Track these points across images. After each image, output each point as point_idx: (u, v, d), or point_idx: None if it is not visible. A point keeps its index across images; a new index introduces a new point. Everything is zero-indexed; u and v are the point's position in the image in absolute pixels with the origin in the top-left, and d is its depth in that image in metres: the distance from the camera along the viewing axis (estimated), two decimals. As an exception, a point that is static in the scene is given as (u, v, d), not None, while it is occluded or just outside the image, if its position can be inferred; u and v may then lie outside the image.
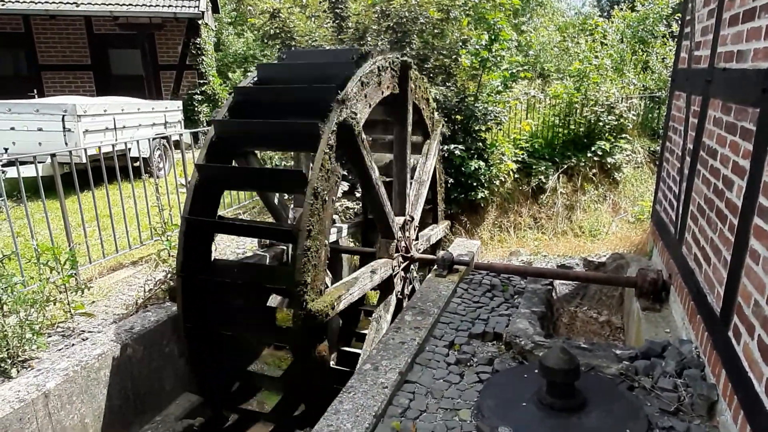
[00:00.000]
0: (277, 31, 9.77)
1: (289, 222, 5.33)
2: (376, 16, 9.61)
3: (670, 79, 12.86)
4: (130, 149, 6.41)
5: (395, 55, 4.73)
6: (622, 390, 3.02)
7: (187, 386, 4.22)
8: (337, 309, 3.69)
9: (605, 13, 21.18)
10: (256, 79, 4.51)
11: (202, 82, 14.93)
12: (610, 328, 4.88)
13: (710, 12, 4.04)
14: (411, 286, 5.24)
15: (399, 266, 4.86)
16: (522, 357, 3.57)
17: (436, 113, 6.14)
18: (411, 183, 5.19)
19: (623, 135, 11.45)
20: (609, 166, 11.26)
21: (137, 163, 6.76)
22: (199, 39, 14.67)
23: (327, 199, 3.59)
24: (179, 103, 11.94)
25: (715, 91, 3.67)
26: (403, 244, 4.92)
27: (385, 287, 4.77)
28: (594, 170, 11.20)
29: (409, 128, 4.98)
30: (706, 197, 3.53)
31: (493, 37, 9.97)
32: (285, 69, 4.66)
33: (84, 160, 6.43)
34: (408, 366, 3.37)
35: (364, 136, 4.00)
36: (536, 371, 3.12)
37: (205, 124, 14.29)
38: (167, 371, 4.07)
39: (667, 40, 14.39)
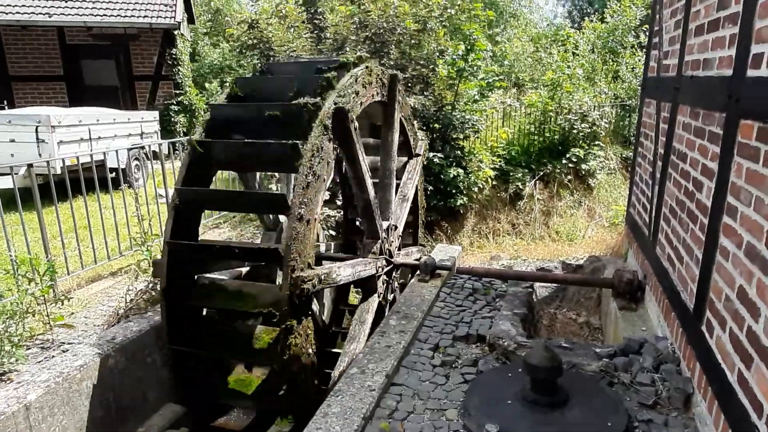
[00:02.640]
0: (255, 42, 9.79)
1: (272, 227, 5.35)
2: (355, 26, 9.71)
3: (640, 87, 13.30)
4: (106, 160, 6.32)
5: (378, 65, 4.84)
6: (603, 386, 3.11)
7: (170, 396, 4.16)
8: (324, 282, 3.74)
9: (576, 24, 21.76)
10: (232, 93, 4.49)
11: (178, 92, 14.81)
12: (589, 329, 4.99)
13: (677, 23, 4.23)
14: (393, 295, 5.27)
15: (383, 269, 4.90)
16: (505, 357, 3.64)
17: (419, 133, 6.29)
18: (395, 194, 5.27)
19: (596, 142, 11.76)
20: (583, 173, 11.53)
21: (113, 174, 6.69)
22: (175, 49, 14.58)
23: (320, 176, 3.67)
24: (155, 114, 11.82)
25: (683, 98, 3.84)
26: (387, 246, 4.97)
27: (367, 288, 4.79)
28: (569, 176, 11.45)
29: (396, 135, 5.05)
30: (678, 199, 3.68)
31: (469, 48, 10.19)
32: (264, 81, 4.67)
33: (58, 171, 6.33)
34: (394, 369, 3.41)
35: (356, 123, 4.06)
36: (520, 370, 3.19)
37: (181, 135, 14.18)
38: (150, 381, 4.02)
39: (636, 50, 14.86)
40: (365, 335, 4.37)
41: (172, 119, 14.33)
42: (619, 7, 15.74)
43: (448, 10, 10.88)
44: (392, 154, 5.08)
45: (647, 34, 14.74)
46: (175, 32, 14.35)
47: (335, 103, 3.89)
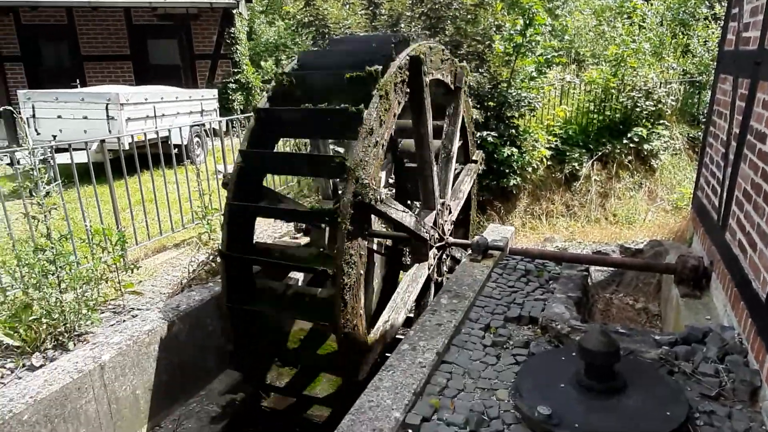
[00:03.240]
0: (311, 19, 9.83)
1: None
2: (410, 2, 9.56)
3: (715, 62, 12.44)
4: (170, 136, 6.61)
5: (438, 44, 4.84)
6: (662, 374, 3.01)
7: (229, 363, 4.38)
8: (385, 203, 3.90)
9: (644, -5, 20.45)
10: (296, 65, 4.60)
11: (236, 71, 15.17)
12: (647, 315, 4.82)
13: (760, -9, 3.90)
14: (441, 278, 5.28)
15: (435, 240, 4.89)
16: (558, 341, 3.59)
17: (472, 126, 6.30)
18: (450, 181, 5.27)
19: (661, 121, 11.15)
20: (645, 153, 10.99)
21: (176, 150, 6.97)
22: (233, 28, 14.89)
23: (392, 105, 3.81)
24: (215, 92, 12.19)
25: (766, 74, 3.56)
26: (441, 221, 4.97)
27: (417, 255, 4.84)
28: (630, 157, 10.94)
29: (458, 126, 5.07)
30: (753, 182, 3.45)
31: (527, 22, 9.82)
32: (325, 55, 4.72)
33: (126, 147, 6.67)
34: (445, 347, 3.43)
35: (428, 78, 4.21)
36: (573, 354, 3.14)
37: (239, 112, 14.56)
38: (210, 348, 4.24)
39: (710, 22, 13.85)
40: (410, 307, 4.44)
41: (230, 97, 14.72)
42: (693, -25, 14.66)
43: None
44: (454, 141, 5.07)
45: (724, 4, 13.71)
46: (234, 11, 14.61)
47: (413, 54, 4.04)
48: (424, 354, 3.28)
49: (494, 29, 9.86)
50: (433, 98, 4.86)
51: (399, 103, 4.02)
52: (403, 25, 9.69)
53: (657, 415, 2.58)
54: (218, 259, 4.67)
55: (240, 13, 15.29)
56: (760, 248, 3.12)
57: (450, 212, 5.26)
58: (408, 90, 4.12)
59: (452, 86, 5.19)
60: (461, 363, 3.30)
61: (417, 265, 4.73)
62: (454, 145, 5.23)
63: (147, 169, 5.40)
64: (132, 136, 6.15)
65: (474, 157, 6.16)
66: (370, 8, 10.75)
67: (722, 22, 13.51)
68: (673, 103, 11.67)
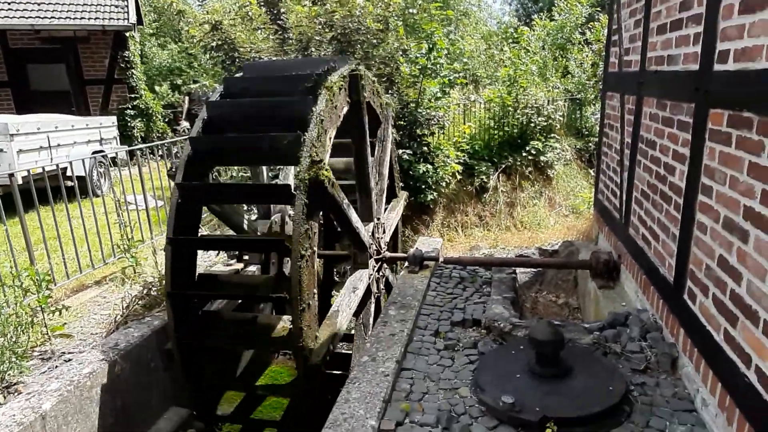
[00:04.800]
0: (219, 43, 9.68)
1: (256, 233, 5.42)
2: (320, 27, 9.78)
3: (590, 81, 13.92)
4: (69, 168, 6.06)
5: (357, 66, 5.01)
6: (598, 356, 3.39)
7: (174, 400, 4.17)
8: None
9: (522, 22, 22.54)
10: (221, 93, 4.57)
11: (133, 96, 14.38)
12: (569, 309, 5.33)
13: (636, 22, 4.59)
14: (385, 280, 5.48)
15: (374, 270, 5.07)
16: (502, 338, 3.88)
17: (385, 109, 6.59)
18: (383, 203, 5.47)
19: (552, 135, 12.31)
20: (542, 164, 12.04)
21: (74, 183, 6.46)
22: (127, 52, 14.15)
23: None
24: (113, 119, 11.48)
25: (648, 91, 4.18)
26: (374, 248, 5.14)
27: (358, 264, 4.96)
28: (529, 168, 11.93)
29: (389, 152, 5.30)
30: (649, 183, 4.02)
31: (431, 47, 10.48)
32: (254, 82, 4.73)
33: (20, 182, 6.11)
34: (402, 355, 3.57)
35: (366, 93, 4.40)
36: (521, 347, 3.45)
37: (139, 140, 13.78)
38: (154, 386, 4.02)
39: (583, 46, 15.58)
40: (358, 298, 4.55)
41: (129, 124, 13.92)
42: (566, 5, 16.47)
43: (409, 10, 11.13)
44: (384, 166, 5.28)
45: (593, 32, 15.44)
46: (127, 34, 13.92)
47: (351, 71, 4.23)
48: (385, 363, 3.40)
49: (400, 53, 10.39)
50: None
51: (342, 107, 4.19)
52: (313, 49, 9.88)
53: (602, 391, 2.91)
54: (152, 292, 4.48)
55: (133, 36, 14.59)
56: (662, 239, 3.65)
57: (384, 231, 5.45)
58: (349, 100, 4.29)
59: (380, 117, 5.43)
60: (420, 368, 3.46)
61: (358, 271, 4.85)
62: (385, 168, 5.44)
63: (48, 204, 4.96)
64: (29, 171, 5.62)
65: (399, 195, 6.48)
66: (279, 33, 10.82)
67: (594, 47, 15.18)
68: (561, 119, 12.97)
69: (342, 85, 4.21)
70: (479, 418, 2.88)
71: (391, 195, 6.33)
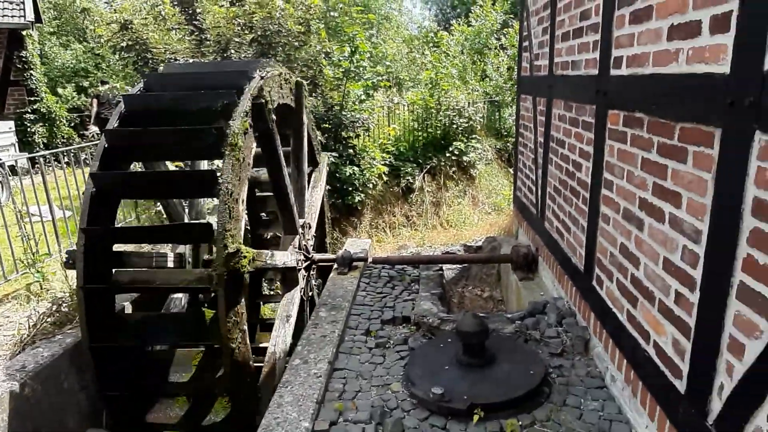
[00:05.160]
0: (131, 44, 9.18)
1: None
2: (239, 28, 9.55)
3: (506, 84, 14.60)
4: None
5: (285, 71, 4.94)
6: (520, 343, 3.59)
7: (90, 421, 3.92)
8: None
9: (442, 27, 23.27)
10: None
11: (33, 99, 13.27)
12: (493, 302, 5.58)
13: (544, 29, 4.90)
14: (311, 293, 5.43)
15: (302, 263, 5.02)
16: (431, 333, 4.00)
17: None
18: (306, 198, 5.42)
19: (474, 135, 12.82)
20: (465, 164, 12.50)
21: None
22: (24, 51, 13.04)
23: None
24: (11, 124, 10.58)
25: (557, 94, 4.49)
26: (304, 243, 5.10)
27: (288, 283, 4.89)
28: (453, 168, 12.34)
29: (305, 137, 5.19)
30: (560, 179, 4.31)
31: (353, 50, 10.57)
32: (177, 80, 4.55)
33: None
34: (334, 355, 3.59)
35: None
36: (449, 341, 3.58)
37: (42, 146, 12.73)
38: (69, 407, 3.74)
39: (499, 51, 16.35)
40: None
41: (29, 129, 12.83)
42: (482, 11, 17.21)
43: (330, 13, 11.15)
44: (303, 157, 5.21)
45: (507, 37, 16.22)
46: (24, 32, 12.83)
47: (254, 97, 3.99)
48: (317, 365, 3.40)
49: (323, 55, 10.39)
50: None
51: (250, 149, 4.02)
52: (233, 51, 9.63)
53: (524, 375, 3.09)
54: (63, 308, 4.18)
55: (31, 35, 13.47)
56: (573, 231, 3.93)
57: (310, 227, 5.43)
58: (257, 134, 4.17)
59: (293, 104, 5.32)
60: (352, 367, 3.49)
61: (288, 294, 4.80)
62: (303, 163, 5.37)
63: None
64: None
65: (320, 160, 6.32)
66: (195, 34, 10.44)
67: (509, 51, 15.95)
68: (481, 120, 13.54)
69: (246, 127, 3.90)
70: (411, 411, 2.96)
71: (312, 164, 6.23)
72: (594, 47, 3.46)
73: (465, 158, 12.36)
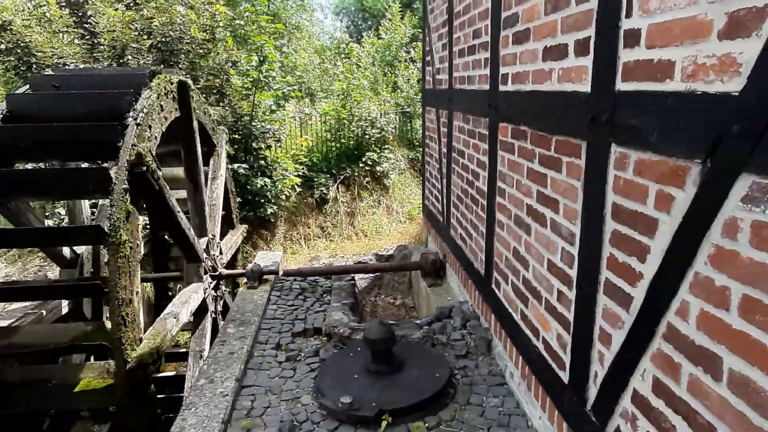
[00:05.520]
0: (11, 46, 8.40)
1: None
2: (136, 33, 9.07)
3: (416, 96, 15.04)
4: None
5: (174, 74, 4.73)
6: (427, 348, 3.71)
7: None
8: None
9: (354, 39, 23.58)
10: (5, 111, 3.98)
11: None
12: (405, 309, 5.71)
13: (443, 45, 5.15)
14: (222, 301, 5.27)
15: (209, 287, 4.86)
16: (342, 343, 4.02)
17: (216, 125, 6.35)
18: (207, 200, 5.24)
19: (386, 146, 13.08)
20: (379, 174, 12.70)
21: None
22: None
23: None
24: None
25: (456, 107, 4.72)
26: (210, 263, 4.94)
27: (198, 311, 4.71)
28: (367, 179, 12.50)
29: (198, 148, 5.02)
30: (462, 188, 4.53)
31: (262, 59, 10.42)
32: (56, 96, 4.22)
33: None
34: (242, 372, 3.50)
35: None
36: (359, 349, 3.62)
37: None
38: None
39: (409, 64, 16.85)
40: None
41: None
42: (391, 25, 17.67)
43: (237, 21, 10.92)
44: (198, 166, 5.03)
45: (416, 50, 16.76)
46: None
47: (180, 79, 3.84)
48: (224, 383, 3.29)
49: (230, 64, 10.14)
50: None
51: (170, 111, 3.91)
52: (130, 58, 9.13)
53: (431, 378, 3.20)
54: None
55: None
56: (474, 237, 4.14)
57: (214, 237, 5.25)
58: (177, 107, 4.04)
59: (213, 139, 5.24)
60: (261, 383, 3.42)
61: (192, 285, 4.61)
62: (199, 175, 5.15)
63: None
64: None
65: (217, 140, 6.01)
66: (87, 37, 9.77)
67: (418, 64, 16.49)
68: (393, 131, 13.85)
69: (169, 89, 3.94)
70: (320, 423, 2.96)
71: (229, 227, 6.14)
72: (485, 64, 3.69)
73: (378, 168, 12.56)
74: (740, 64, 1.32)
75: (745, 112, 1.30)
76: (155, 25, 9.07)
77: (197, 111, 5.11)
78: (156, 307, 5.63)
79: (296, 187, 10.69)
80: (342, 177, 12.11)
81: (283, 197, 10.41)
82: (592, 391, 2.16)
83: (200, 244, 4.75)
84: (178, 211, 4.19)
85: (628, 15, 1.83)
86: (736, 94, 1.33)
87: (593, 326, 2.13)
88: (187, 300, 4.37)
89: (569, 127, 2.32)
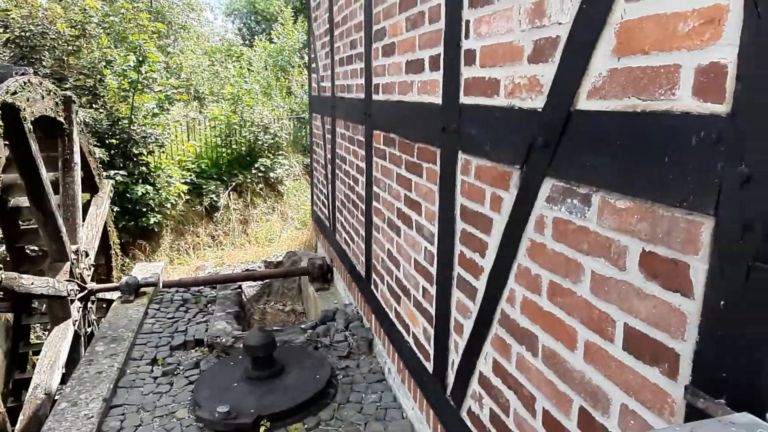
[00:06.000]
0: None
1: None
2: (-11, 25, 8.13)
3: (308, 103, 15.08)
4: None
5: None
6: (310, 351, 3.76)
7: None
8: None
9: (247, 42, 23.00)
10: None
11: None
12: (295, 314, 5.71)
13: (326, 53, 5.26)
14: (91, 328, 4.88)
15: (75, 293, 4.50)
16: (225, 353, 3.94)
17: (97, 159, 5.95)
18: (80, 222, 4.86)
19: (280, 152, 12.93)
20: (273, 181, 12.51)
21: None
22: None
23: None
24: None
25: (339, 114, 4.84)
26: (78, 271, 4.58)
27: (58, 315, 4.32)
28: (260, 185, 12.26)
29: (78, 156, 4.66)
30: (345, 193, 4.65)
31: (141, 59, 9.82)
32: None
33: None
34: (111, 392, 3.30)
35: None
36: (240, 357, 3.58)
37: None
38: None
39: (303, 69, 16.81)
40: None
41: None
42: (283, 30, 17.52)
43: (111, 18, 10.21)
44: (76, 176, 4.68)
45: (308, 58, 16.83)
46: None
47: (4, 101, 3.45)
48: (89, 405, 3.09)
49: (104, 63, 9.45)
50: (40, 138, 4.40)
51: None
52: (-18, 52, 8.15)
53: (311, 380, 3.26)
54: None
55: None
56: (356, 241, 4.27)
57: (87, 256, 4.90)
58: (7, 142, 3.63)
59: (61, 118, 4.79)
60: (133, 401, 3.26)
61: (57, 327, 4.25)
62: (77, 183, 4.86)
63: None
64: None
65: (101, 186, 5.81)
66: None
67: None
68: (287, 136, 13.71)
69: None
70: (196, 436, 2.89)
71: (92, 190, 5.65)
72: (361, 74, 3.84)
73: (272, 175, 12.37)
74: (542, 84, 1.55)
75: (546, 126, 1.52)
76: (13, 18, 8.19)
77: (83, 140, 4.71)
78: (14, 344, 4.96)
79: (183, 194, 10.20)
80: (234, 184, 11.75)
81: (169, 206, 9.87)
82: (451, 378, 2.36)
83: (64, 272, 4.36)
84: (46, 176, 3.83)
85: (467, 36, 2.04)
86: (540, 110, 1.56)
87: (450, 318, 2.33)
88: (55, 358, 3.99)
89: (427, 135, 2.52)
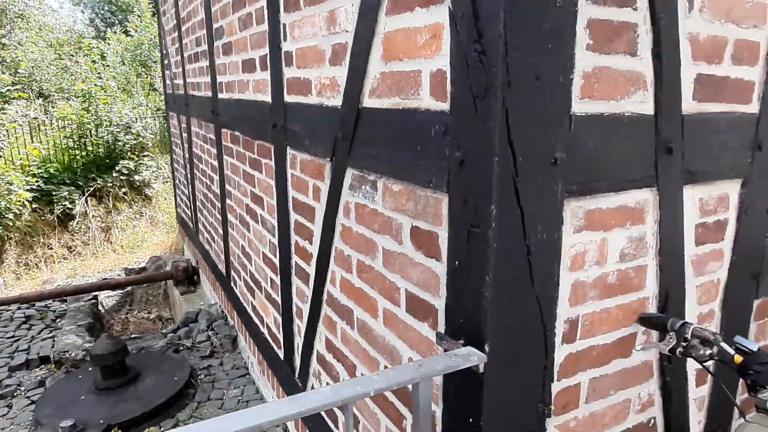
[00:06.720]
0: None
1: None
2: None
3: (165, 101, 14.32)
4: None
5: None
6: (170, 354, 3.68)
7: None
8: None
9: (101, 34, 21.06)
10: None
11: None
12: (162, 321, 5.48)
13: (177, 50, 5.10)
14: None
15: None
16: (75, 367, 3.71)
17: None
18: None
19: (145, 153, 12.12)
20: (138, 184, 11.71)
21: None
22: None
23: None
24: None
25: (192, 112, 4.74)
26: None
27: None
28: (124, 189, 11.42)
29: None
30: (203, 193, 4.58)
31: (-35, 53, 8.64)
32: None
33: None
34: (-65, 426, 2.98)
35: None
36: (90, 370, 3.41)
37: None
38: None
39: (164, 65, 15.83)
40: None
41: None
42: (141, 22, 16.34)
43: None
44: None
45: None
46: None
47: None
48: None
49: None
50: None
51: None
52: None
53: (168, 383, 3.21)
54: None
55: None
56: (216, 239, 4.24)
57: None
58: None
59: None
60: (-37, 432, 2.97)
61: None
62: None
63: None
64: None
65: None
66: None
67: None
68: (152, 136, 12.87)
69: None
70: (38, 457, 2.73)
71: None
72: (207, 72, 3.81)
73: (137, 177, 11.57)
74: (339, 84, 1.74)
75: (344, 122, 1.71)
76: None
77: None
78: None
79: (27, 203, 9.19)
80: (92, 189, 10.82)
81: (11, 216, 8.86)
82: (297, 361, 2.50)
83: None
84: None
85: (285, 39, 2.17)
86: (339, 107, 1.74)
87: (292, 304, 2.47)
88: None
89: (262, 132, 2.62)
